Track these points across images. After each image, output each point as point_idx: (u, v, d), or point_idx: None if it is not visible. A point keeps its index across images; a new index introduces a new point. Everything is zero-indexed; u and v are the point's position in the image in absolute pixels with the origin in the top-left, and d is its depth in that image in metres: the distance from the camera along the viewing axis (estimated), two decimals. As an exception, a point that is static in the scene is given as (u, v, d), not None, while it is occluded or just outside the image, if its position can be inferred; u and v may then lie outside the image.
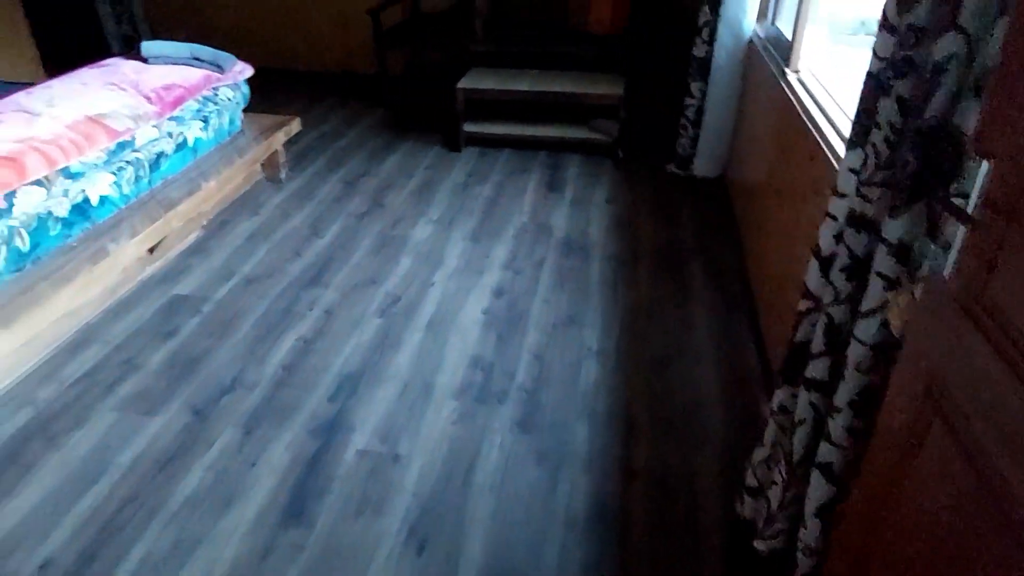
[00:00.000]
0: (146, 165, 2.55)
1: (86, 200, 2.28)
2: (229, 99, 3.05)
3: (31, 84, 2.95)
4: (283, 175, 3.31)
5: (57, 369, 2.06)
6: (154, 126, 2.61)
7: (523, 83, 3.52)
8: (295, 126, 3.27)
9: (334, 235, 2.81)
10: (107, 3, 4.64)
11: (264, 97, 4.47)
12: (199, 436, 1.80)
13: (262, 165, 3.26)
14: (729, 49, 2.97)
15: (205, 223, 2.88)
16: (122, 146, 2.45)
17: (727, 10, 2.92)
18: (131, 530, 1.54)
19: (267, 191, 3.20)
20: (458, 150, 3.62)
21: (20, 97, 2.46)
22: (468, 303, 2.37)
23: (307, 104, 4.39)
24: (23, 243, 2.06)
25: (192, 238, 2.78)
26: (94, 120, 2.35)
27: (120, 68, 2.81)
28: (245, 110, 3.22)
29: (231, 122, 3.07)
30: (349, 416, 1.87)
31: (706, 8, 3.02)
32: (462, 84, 3.50)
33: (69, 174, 2.22)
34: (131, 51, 3.13)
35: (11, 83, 3.89)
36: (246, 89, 3.21)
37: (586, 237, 2.80)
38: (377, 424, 1.85)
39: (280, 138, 3.17)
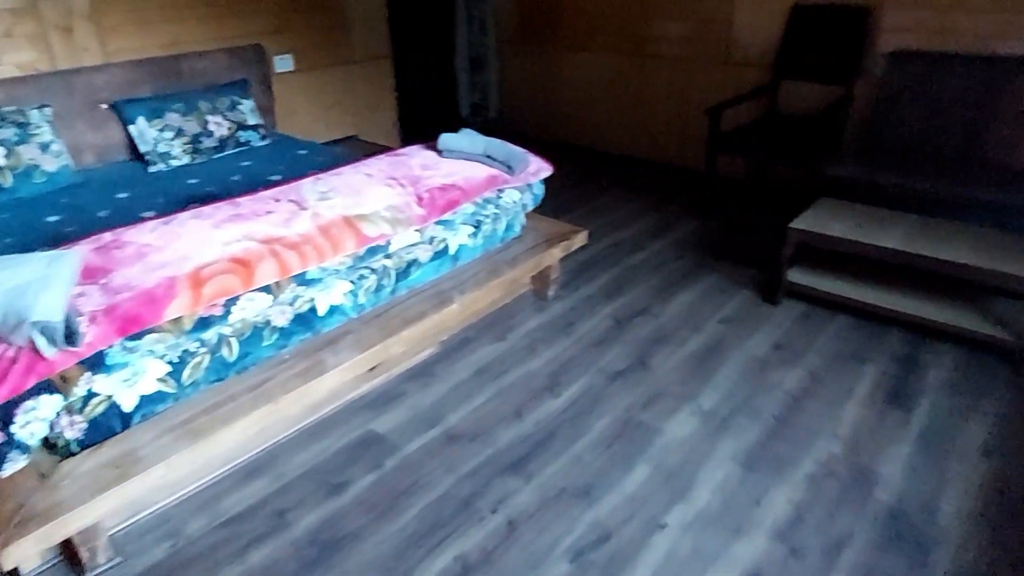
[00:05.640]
0: (392, 274, 2.30)
1: (312, 310, 2.09)
2: (514, 202, 2.71)
3: (388, 148, 2.99)
4: (551, 292, 2.87)
5: (220, 497, 1.87)
6: (416, 230, 2.37)
7: (891, 236, 2.52)
8: (578, 240, 2.80)
9: (571, 398, 2.25)
10: (466, 72, 4.82)
11: (580, 180, 4.18)
12: None
13: (532, 276, 2.87)
14: None
15: (445, 338, 2.57)
16: (372, 251, 2.23)
17: None
18: None
19: (526, 310, 2.78)
20: (774, 302, 2.77)
21: (306, 184, 2.40)
22: (701, 584, 1.59)
23: (621, 198, 3.94)
24: (230, 353, 1.91)
25: (423, 355, 2.48)
26: (349, 222, 2.15)
27: (411, 160, 2.65)
28: (538, 209, 2.87)
29: (508, 228, 2.72)
30: None
31: None
32: (797, 224, 2.65)
33: (303, 281, 2.04)
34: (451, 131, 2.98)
35: (374, 144, 4.21)
36: (540, 190, 2.85)
37: (931, 516, 1.77)
38: None
39: (555, 254, 2.73)
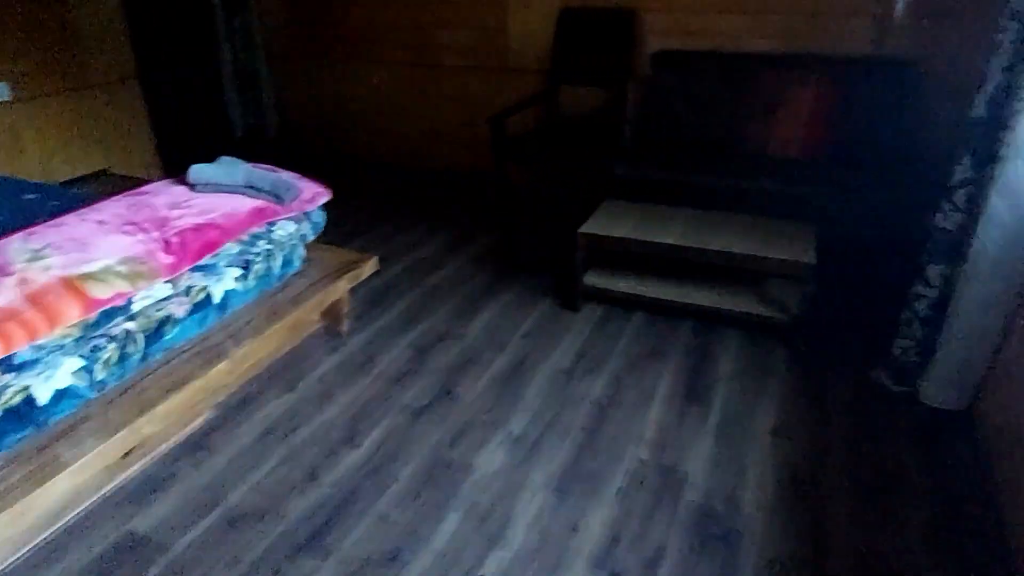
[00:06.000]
0: (140, 338, 1.93)
1: (29, 400, 1.68)
2: (289, 234, 2.43)
3: (147, 181, 2.54)
4: (346, 327, 2.63)
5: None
6: (166, 282, 2.02)
7: (670, 232, 2.59)
8: (368, 268, 2.59)
9: (372, 446, 2.03)
10: (235, 91, 4.39)
11: (372, 199, 3.97)
12: None
13: (321, 313, 2.61)
14: (1007, 229, 1.87)
15: (222, 399, 2.24)
16: (108, 315, 1.85)
17: (1006, 170, 1.83)
18: None
19: (319, 351, 2.52)
20: (575, 308, 2.76)
21: (14, 243, 1.95)
22: (522, 640, 1.46)
23: (414, 214, 3.77)
24: (-96, 476, 1.47)
25: (195, 425, 2.13)
26: (70, 285, 1.77)
27: (156, 199, 2.27)
28: (322, 237, 2.60)
29: (286, 264, 2.43)
30: None
31: (967, 160, 1.96)
32: (586, 228, 2.64)
33: (10, 367, 1.64)
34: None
35: (130, 177, 3.66)
36: (320, 218, 2.59)
37: (735, 509, 1.79)
38: None
39: (343, 286, 2.49)
